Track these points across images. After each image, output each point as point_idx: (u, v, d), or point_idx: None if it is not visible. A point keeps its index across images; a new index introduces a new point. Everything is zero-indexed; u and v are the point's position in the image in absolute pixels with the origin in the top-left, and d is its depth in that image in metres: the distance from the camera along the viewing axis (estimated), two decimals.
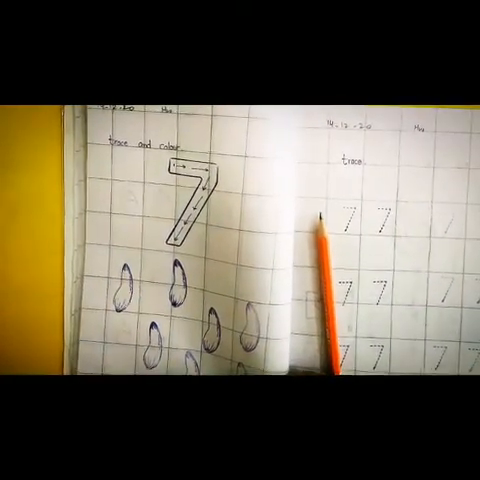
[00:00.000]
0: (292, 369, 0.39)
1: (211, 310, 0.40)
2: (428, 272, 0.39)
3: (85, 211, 0.41)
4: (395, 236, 0.39)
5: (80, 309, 0.41)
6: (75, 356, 0.41)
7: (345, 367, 0.39)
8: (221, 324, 0.40)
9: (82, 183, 0.41)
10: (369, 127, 0.39)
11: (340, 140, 0.39)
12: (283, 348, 0.39)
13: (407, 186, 0.39)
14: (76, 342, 0.41)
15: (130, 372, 0.41)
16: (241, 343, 0.39)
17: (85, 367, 0.41)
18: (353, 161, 0.39)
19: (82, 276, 0.41)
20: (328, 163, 0.39)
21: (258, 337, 0.38)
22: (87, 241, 0.41)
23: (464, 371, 0.39)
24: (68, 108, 0.40)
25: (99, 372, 0.41)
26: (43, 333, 0.41)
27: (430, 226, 0.39)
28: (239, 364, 0.39)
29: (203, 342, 0.40)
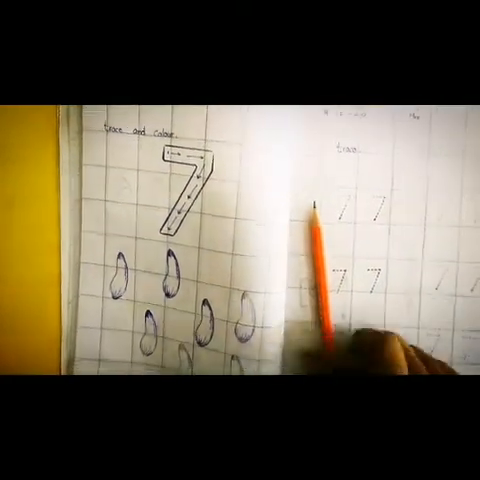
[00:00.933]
0: (285, 355, 0.39)
1: (204, 302, 0.40)
2: (422, 260, 0.39)
3: (81, 199, 0.40)
4: (389, 224, 0.39)
5: (77, 296, 0.41)
6: (73, 342, 0.41)
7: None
8: (215, 316, 0.39)
9: (78, 172, 0.40)
10: (364, 115, 0.39)
11: (335, 128, 0.38)
12: (277, 337, 0.39)
13: (402, 174, 0.39)
14: (74, 329, 0.41)
15: (127, 358, 0.41)
16: (236, 334, 0.39)
17: (83, 353, 0.41)
18: (348, 149, 0.39)
19: (79, 264, 0.41)
20: (323, 151, 0.39)
21: (254, 327, 0.38)
22: (83, 229, 0.41)
23: (458, 360, 0.39)
24: None
25: (97, 358, 0.41)
26: (41, 321, 0.41)
27: (425, 214, 0.39)
28: (233, 357, 0.39)
29: (195, 335, 0.40)
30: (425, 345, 0.39)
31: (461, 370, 0.37)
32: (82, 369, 0.41)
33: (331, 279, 0.39)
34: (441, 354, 0.39)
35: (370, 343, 0.35)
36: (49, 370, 0.41)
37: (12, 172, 0.40)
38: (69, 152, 0.40)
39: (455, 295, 0.39)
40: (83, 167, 0.40)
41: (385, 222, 0.39)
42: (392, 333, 0.35)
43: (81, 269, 0.41)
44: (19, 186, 0.40)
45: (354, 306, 0.39)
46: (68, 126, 0.40)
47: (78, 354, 0.41)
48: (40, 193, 0.41)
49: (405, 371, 0.32)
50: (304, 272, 0.39)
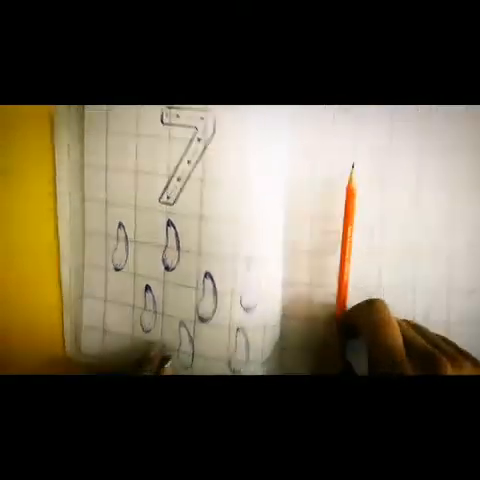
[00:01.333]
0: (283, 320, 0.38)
1: (206, 274, 0.37)
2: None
3: (83, 166, 0.39)
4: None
5: (80, 266, 0.40)
6: (75, 312, 0.41)
7: None
8: (218, 289, 0.37)
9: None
10: None
11: None
12: (278, 300, 0.37)
13: None
14: (76, 298, 0.41)
15: (128, 332, 0.40)
16: (241, 305, 0.36)
17: (89, 322, 0.41)
18: None
19: (81, 233, 0.40)
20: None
21: (259, 294, 0.36)
22: (86, 197, 0.40)
23: None
24: None
25: (101, 328, 0.41)
26: (39, 289, 0.41)
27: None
28: (238, 329, 0.37)
29: (197, 311, 0.38)
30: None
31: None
32: (89, 337, 0.41)
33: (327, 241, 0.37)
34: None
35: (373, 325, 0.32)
36: (52, 339, 0.41)
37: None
38: (69, 122, 0.39)
39: None
40: (85, 134, 0.38)
41: None
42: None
43: (86, 238, 0.40)
44: (15, 154, 0.39)
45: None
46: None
47: (85, 322, 0.41)
48: (36, 162, 0.40)
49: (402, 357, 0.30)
50: (306, 235, 0.37)
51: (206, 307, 0.37)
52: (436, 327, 0.35)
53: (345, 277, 0.36)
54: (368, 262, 0.37)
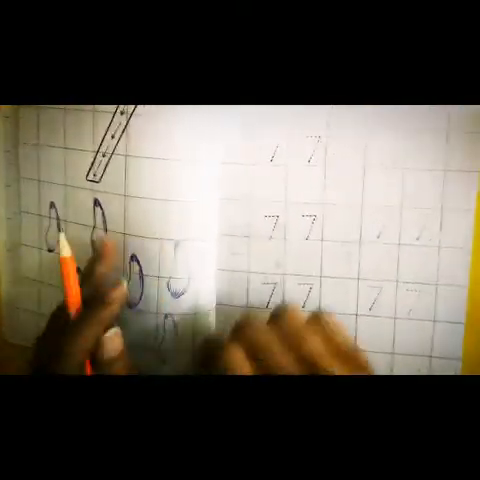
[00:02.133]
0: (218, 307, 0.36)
1: (132, 257, 0.35)
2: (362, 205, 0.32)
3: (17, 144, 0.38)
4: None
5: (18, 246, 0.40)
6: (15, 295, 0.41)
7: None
8: (144, 273, 0.35)
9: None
10: None
11: None
12: (211, 287, 0.35)
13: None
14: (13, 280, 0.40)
15: None
16: (169, 290, 0.34)
17: (24, 304, 0.40)
18: None
19: (19, 213, 0.39)
20: None
21: (188, 279, 0.34)
22: (21, 175, 0.39)
23: (402, 314, 0.34)
24: None
25: (37, 311, 0.40)
26: None
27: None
28: (166, 316, 0.34)
29: None
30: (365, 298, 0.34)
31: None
32: (21, 319, 0.40)
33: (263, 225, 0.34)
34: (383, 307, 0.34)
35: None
36: None
37: None
38: None
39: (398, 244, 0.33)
40: (19, 111, 0.38)
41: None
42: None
43: (22, 218, 0.39)
44: None
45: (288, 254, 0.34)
46: None
47: (19, 305, 0.40)
48: None
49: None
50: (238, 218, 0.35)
51: (133, 292, 0.35)
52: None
53: None
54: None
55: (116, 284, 0.31)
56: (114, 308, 0.30)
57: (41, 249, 0.39)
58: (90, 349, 0.30)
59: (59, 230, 0.37)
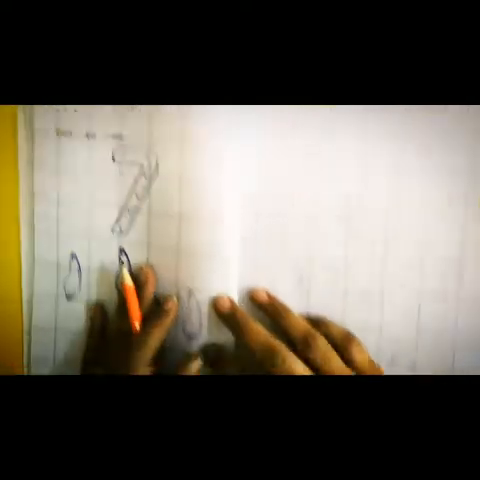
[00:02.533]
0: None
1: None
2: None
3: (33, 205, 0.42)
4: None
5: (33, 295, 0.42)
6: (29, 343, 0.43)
7: None
8: None
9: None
10: None
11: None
12: None
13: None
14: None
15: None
16: (184, 332, 0.40)
17: (38, 353, 0.42)
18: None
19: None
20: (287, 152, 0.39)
21: (200, 324, 0.39)
22: (36, 228, 0.42)
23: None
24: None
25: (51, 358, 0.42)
26: (3, 320, 0.42)
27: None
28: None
29: None
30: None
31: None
32: (36, 371, 0.42)
33: None
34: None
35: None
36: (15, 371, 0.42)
37: None
38: (27, 152, 0.41)
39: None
40: (34, 170, 0.41)
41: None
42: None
43: (35, 268, 0.42)
44: None
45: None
46: (26, 128, 0.41)
47: (33, 353, 0.42)
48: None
49: None
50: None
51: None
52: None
53: None
54: None
55: (167, 298, 0.38)
56: (172, 317, 0.38)
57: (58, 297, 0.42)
58: (154, 356, 0.36)
59: (123, 265, 0.41)
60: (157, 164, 0.39)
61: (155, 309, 0.38)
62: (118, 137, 0.40)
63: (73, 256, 0.42)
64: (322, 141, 0.39)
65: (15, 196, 0.42)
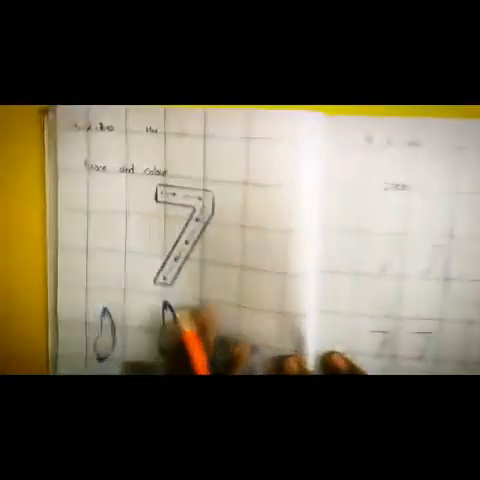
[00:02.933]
0: None
1: None
2: None
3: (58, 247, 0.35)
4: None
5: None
6: None
7: None
8: None
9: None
10: (417, 144, 0.32)
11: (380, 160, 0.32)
12: None
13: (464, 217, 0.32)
14: None
15: None
16: None
17: None
18: (396, 186, 0.32)
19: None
20: (363, 188, 0.32)
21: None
22: (59, 283, 0.35)
23: None
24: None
25: None
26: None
27: None
28: None
29: None
30: None
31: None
32: None
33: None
34: None
35: None
36: None
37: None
38: (53, 187, 0.35)
39: None
40: (59, 212, 0.35)
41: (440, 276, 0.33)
42: None
43: (59, 327, 0.36)
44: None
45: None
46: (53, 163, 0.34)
47: None
48: (28, 236, 0.36)
49: None
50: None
51: None
52: None
53: None
54: None
55: (238, 343, 0.34)
56: (245, 361, 0.34)
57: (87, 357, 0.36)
58: None
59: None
60: (213, 206, 0.33)
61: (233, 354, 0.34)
62: (162, 173, 0.33)
63: (105, 311, 0.35)
64: None
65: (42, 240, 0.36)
